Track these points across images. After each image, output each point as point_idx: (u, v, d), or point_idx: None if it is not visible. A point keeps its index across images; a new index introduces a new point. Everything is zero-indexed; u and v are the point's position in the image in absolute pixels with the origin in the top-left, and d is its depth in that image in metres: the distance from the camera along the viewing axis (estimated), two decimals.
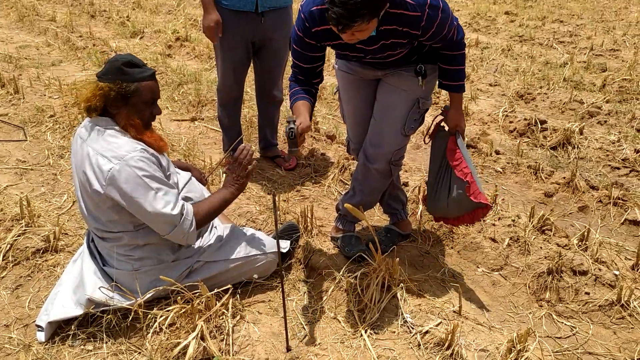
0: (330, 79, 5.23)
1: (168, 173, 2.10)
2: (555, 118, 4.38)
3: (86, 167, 1.96)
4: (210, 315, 2.07)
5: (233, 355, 1.99)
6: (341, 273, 2.37)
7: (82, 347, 2.04)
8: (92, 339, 2.07)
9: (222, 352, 2.00)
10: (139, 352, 2.02)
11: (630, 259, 2.58)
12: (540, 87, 4.99)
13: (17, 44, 6.54)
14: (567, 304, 2.31)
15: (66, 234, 2.72)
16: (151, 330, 2.02)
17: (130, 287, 2.09)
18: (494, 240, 2.69)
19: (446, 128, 2.43)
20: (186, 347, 1.93)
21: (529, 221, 2.79)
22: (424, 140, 2.58)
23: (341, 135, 3.99)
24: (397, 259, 2.28)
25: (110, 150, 1.93)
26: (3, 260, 2.50)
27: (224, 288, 2.14)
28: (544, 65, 5.78)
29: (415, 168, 3.52)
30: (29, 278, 2.44)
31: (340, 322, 2.20)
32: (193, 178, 2.38)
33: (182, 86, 5.01)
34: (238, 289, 2.32)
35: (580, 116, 4.35)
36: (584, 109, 4.40)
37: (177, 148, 3.75)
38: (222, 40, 3.08)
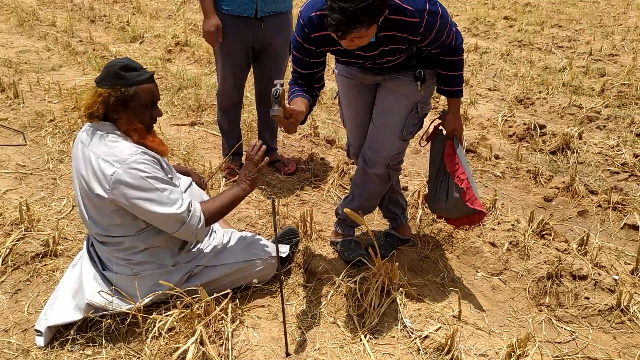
0: (329, 84, 5.24)
1: (170, 176, 2.11)
2: (554, 123, 4.39)
3: (88, 171, 1.96)
4: (210, 320, 2.07)
5: None
6: (340, 278, 2.37)
7: (81, 351, 2.04)
8: (91, 344, 2.07)
9: (222, 357, 2.00)
10: (138, 357, 2.02)
11: (629, 264, 2.58)
12: (540, 92, 5.00)
13: (17, 48, 6.55)
14: (567, 308, 2.31)
15: (65, 238, 2.72)
16: (150, 335, 2.01)
17: (129, 292, 2.08)
18: (493, 244, 2.69)
19: (444, 132, 2.44)
20: (185, 351, 1.92)
21: (529, 226, 2.79)
22: (420, 143, 2.59)
23: (340, 140, 4.00)
24: (397, 263, 2.28)
25: (112, 155, 1.94)
26: (2, 264, 2.49)
27: (224, 293, 2.14)
28: (543, 70, 5.79)
29: (414, 172, 3.52)
30: (28, 282, 2.43)
31: (339, 326, 2.20)
32: (194, 183, 2.38)
33: (181, 91, 5.01)
34: (237, 294, 2.32)
35: (580, 121, 4.35)
36: (583, 114, 4.41)
37: (176, 152, 3.76)
38: (222, 45, 3.09)
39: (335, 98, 2.63)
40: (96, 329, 2.10)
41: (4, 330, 2.16)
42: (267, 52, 3.19)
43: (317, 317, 2.25)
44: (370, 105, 2.43)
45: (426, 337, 2.10)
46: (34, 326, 2.14)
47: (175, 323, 2.04)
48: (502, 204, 3.16)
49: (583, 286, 2.36)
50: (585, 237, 2.68)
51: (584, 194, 3.20)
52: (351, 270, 2.45)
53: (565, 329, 2.23)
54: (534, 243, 2.66)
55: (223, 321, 2.10)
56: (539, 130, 4.05)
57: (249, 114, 4.39)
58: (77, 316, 2.07)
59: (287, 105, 1.95)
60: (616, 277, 2.41)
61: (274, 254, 2.33)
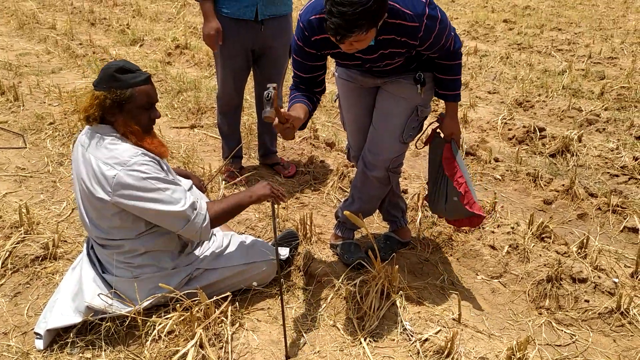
0: (329, 87, 5.25)
1: (171, 177, 2.11)
2: (554, 125, 4.39)
3: (89, 174, 1.96)
4: (209, 323, 2.07)
5: None
6: (340, 280, 2.37)
7: (80, 354, 2.04)
8: (90, 347, 2.06)
9: None
10: None
11: (629, 267, 2.58)
12: (539, 95, 5.01)
13: (17, 51, 6.56)
14: (567, 311, 2.31)
15: (65, 241, 2.72)
16: (150, 338, 2.01)
17: (129, 295, 2.08)
18: (493, 247, 2.69)
19: (441, 135, 2.44)
20: (185, 355, 1.92)
21: (528, 229, 2.79)
22: (416, 145, 2.60)
23: (340, 143, 4.00)
24: (397, 266, 2.28)
25: (112, 157, 1.94)
26: (2, 267, 2.49)
27: (223, 296, 2.14)
28: (543, 73, 5.80)
29: (414, 175, 3.52)
30: (28, 285, 2.43)
31: (339, 329, 2.20)
32: (194, 186, 2.38)
33: (181, 94, 5.02)
34: (237, 297, 2.31)
35: (579, 124, 4.36)
36: (582, 117, 4.42)
37: (176, 155, 3.76)
38: (222, 48, 3.10)
39: (335, 101, 2.64)
40: (96, 332, 2.10)
41: (3, 333, 2.16)
42: (267, 55, 3.19)
43: (317, 320, 2.25)
44: (370, 108, 2.44)
45: (426, 340, 2.10)
46: (33, 329, 2.14)
47: (175, 326, 2.03)
48: (502, 206, 3.16)
49: (583, 289, 2.36)
50: (585, 240, 2.68)
51: (584, 197, 3.20)
52: (351, 273, 2.44)
53: (565, 332, 2.23)
54: (533, 246, 2.66)
55: (223, 324, 2.09)
56: (538, 133, 4.06)
57: (248, 117, 4.39)
58: (77, 319, 2.07)
59: (284, 111, 1.95)
60: (616, 280, 2.41)
61: (274, 256, 2.33)
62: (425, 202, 2.90)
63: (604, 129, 4.22)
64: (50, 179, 3.43)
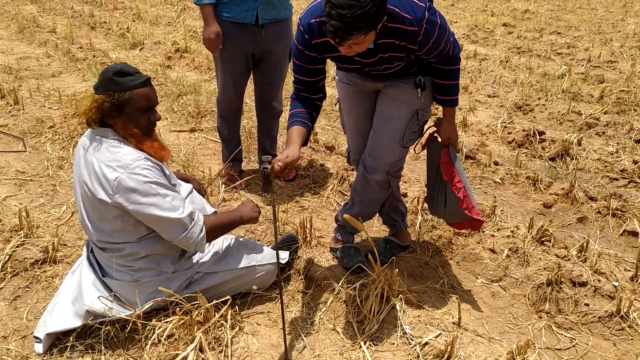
0: (329, 90, 5.26)
1: (173, 182, 2.11)
2: (553, 129, 4.40)
3: (91, 177, 1.96)
4: (209, 327, 2.07)
5: None
6: (340, 284, 2.37)
7: (80, 358, 2.03)
8: (90, 351, 2.06)
9: None
10: None
11: (629, 270, 2.58)
12: (539, 99, 5.02)
13: (17, 55, 6.57)
14: (567, 315, 2.31)
15: (65, 245, 2.72)
16: (150, 342, 2.01)
17: (129, 298, 2.08)
18: (493, 251, 2.69)
19: (439, 139, 2.45)
20: (185, 358, 1.92)
21: (528, 232, 2.79)
22: (414, 149, 2.61)
23: (340, 146, 4.00)
24: (397, 270, 2.28)
25: (114, 160, 1.94)
26: (1, 271, 2.49)
27: (223, 299, 2.14)
28: (542, 77, 5.81)
29: (414, 179, 3.53)
30: (28, 289, 2.43)
31: (339, 333, 2.19)
32: (194, 190, 2.38)
33: (181, 97, 5.02)
34: (237, 300, 2.31)
35: (579, 127, 4.36)
36: (582, 120, 4.42)
37: (176, 159, 3.76)
38: (222, 52, 3.10)
39: (335, 104, 2.64)
40: (95, 336, 2.10)
41: (2, 337, 2.16)
42: (267, 59, 3.20)
43: (317, 324, 2.25)
44: (370, 112, 2.44)
45: (426, 343, 2.10)
46: (33, 333, 2.14)
47: (174, 330, 2.03)
48: (502, 210, 3.16)
49: (583, 293, 2.36)
50: (584, 244, 2.68)
51: (584, 201, 3.21)
52: (351, 276, 2.44)
53: (565, 335, 2.23)
54: (533, 249, 2.66)
55: (222, 328, 2.09)
56: (538, 136, 4.06)
57: (248, 121, 4.39)
58: (77, 323, 2.07)
59: (279, 164, 1.96)
60: (616, 284, 2.41)
61: (274, 260, 2.33)
62: (425, 204, 2.91)
63: (603, 133, 4.23)
64: (50, 183, 3.44)
